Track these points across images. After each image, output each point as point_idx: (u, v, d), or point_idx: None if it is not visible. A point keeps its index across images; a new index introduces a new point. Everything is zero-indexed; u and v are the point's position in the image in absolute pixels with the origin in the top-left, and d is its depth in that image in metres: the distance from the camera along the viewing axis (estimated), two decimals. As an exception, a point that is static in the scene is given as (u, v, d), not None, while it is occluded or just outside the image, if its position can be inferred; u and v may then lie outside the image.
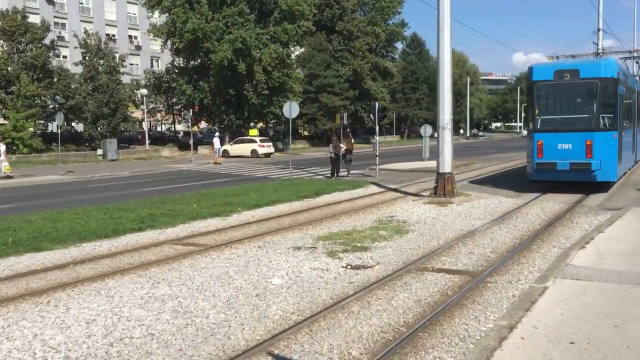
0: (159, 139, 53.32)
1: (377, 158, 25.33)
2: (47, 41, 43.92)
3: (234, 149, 46.36)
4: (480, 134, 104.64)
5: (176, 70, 51.26)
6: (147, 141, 47.81)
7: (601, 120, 16.45)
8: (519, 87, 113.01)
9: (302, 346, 5.83)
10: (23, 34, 41.18)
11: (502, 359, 4.82)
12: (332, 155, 24.96)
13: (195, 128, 71.67)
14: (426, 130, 32.68)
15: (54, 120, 43.70)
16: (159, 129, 64.83)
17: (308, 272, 8.74)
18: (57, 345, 5.96)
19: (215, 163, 38.40)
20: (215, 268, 9.12)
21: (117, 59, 45.95)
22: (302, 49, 60.49)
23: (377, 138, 26.30)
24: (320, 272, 8.74)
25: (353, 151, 26.74)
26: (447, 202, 15.77)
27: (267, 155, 46.14)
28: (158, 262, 9.57)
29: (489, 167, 28.57)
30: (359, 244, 10.61)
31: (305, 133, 73.76)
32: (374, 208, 15.44)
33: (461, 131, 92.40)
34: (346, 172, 25.62)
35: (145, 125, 52.90)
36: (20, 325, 6.57)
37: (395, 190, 19.61)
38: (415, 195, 17.99)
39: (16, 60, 40.84)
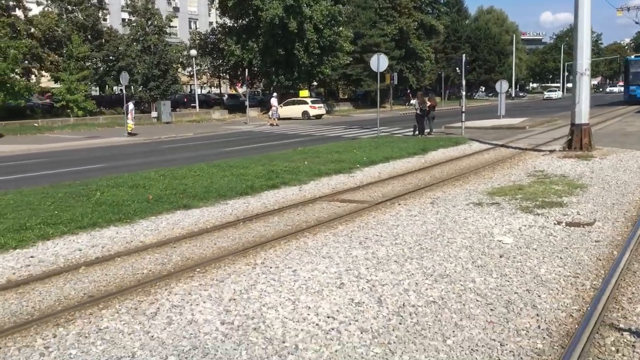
0: (203, 102, 51.88)
1: (463, 115, 23.86)
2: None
3: (284, 110, 44.82)
4: (522, 94, 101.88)
5: (223, 30, 49.65)
6: (197, 104, 46.60)
7: None
8: (562, 46, 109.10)
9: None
10: (72, -6, 39.88)
11: None
12: (418, 111, 23.50)
13: (234, 91, 70.44)
14: (502, 86, 30.94)
15: (105, 82, 42.92)
16: (202, 91, 63.56)
17: (530, 231, 7.52)
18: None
19: (272, 124, 37.20)
20: (410, 225, 7.96)
21: (164, 19, 44.53)
22: (346, 7, 58.31)
23: (464, 93, 24.81)
24: (542, 230, 7.53)
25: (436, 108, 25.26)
26: (587, 156, 14.36)
27: (319, 117, 44.73)
28: (335, 220, 8.42)
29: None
30: (546, 199, 9.35)
31: (342, 96, 71.68)
32: (507, 163, 14.11)
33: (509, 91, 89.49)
34: (429, 130, 24.18)
35: (195, 88, 51.65)
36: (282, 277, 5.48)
37: (503, 146, 18.27)
38: (535, 150, 16.61)
39: (66, 21, 39.62)
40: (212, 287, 5.61)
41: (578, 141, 15.01)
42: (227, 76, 55.70)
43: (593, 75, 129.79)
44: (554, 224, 7.88)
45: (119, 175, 12.79)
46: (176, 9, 67.87)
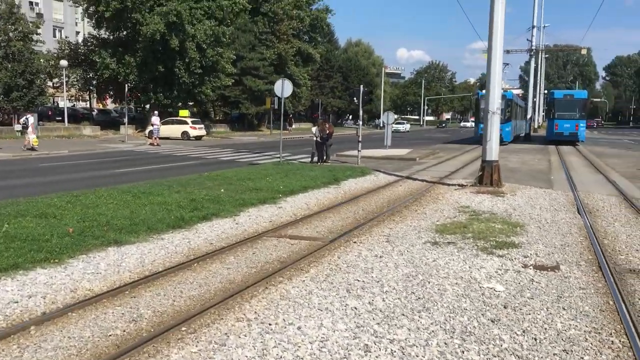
0: (71, 116, 47.98)
1: (360, 144, 24.05)
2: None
3: (163, 130, 42.67)
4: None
5: (95, 42, 46.54)
6: (65, 118, 42.99)
7: (582, 115, 38.73)
8: (422, 81, 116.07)
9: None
10: None
11: None
12: (318, 139, 23.27)
13: (101, 105, 66.16)
14: (389, 117, 31.82)
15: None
16: (62, 105, 58.86)
17: (509, 276, 7.33)
18: None
19: (152, 144, 35.31)
20: (384, 269, 7.47)
21: (31, 25, 40.82)
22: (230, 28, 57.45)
23: (360, 123, 25.02)
24: (520, 275, 7.37)
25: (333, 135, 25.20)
26: (499, 192, 14.81)
27: (199, 138, 43.33)
28: (300, 261, 7.69)
29: (460, 157, 28.20)
30: (497, 239, 9.30)
31: (215, 117, 69.97)
32: (428, 198, 14.14)
33: (376, 121, 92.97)
34: (325, 157, 23.99)
35: (65, 101, 47.57)
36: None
37: (409, 178, 18.52)
38: (442, 184, 16.94)
39: None
40: (217, 354, 4.66)
41: (488, 177, 15.51)
42: (96, 90, 52.14)
43: (447, 110, 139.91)
44: (522, 267, 7.79)
45: (13, 201, 10.99)
46: (40, 15, 62.75)
